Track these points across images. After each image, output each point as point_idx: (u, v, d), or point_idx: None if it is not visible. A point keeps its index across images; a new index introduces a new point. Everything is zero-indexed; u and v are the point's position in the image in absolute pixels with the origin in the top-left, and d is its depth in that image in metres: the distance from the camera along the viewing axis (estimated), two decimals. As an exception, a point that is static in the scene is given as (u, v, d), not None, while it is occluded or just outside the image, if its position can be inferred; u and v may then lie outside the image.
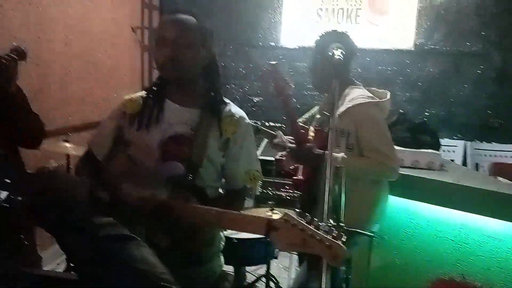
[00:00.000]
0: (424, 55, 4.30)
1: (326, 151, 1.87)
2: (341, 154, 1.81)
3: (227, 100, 1.54)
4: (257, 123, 2.39)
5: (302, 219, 1.01)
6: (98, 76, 3.80)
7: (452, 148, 4.16)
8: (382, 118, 1.93)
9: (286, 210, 2.66)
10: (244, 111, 1.55)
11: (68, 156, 2.83)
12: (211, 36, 1.47)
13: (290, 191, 4.11)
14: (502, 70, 4.17)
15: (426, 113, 4.33)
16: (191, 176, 1.38)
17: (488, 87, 4.20)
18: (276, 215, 2.61)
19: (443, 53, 4.27)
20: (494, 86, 4.20)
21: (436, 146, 2.65)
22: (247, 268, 2.82)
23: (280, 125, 4.84)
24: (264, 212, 2.68)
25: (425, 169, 2.41)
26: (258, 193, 4.07)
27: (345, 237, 0.96)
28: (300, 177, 2.07)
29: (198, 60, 1.43)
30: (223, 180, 1.56)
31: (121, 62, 4.16)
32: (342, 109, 1.85)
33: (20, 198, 1.01)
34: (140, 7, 4.43)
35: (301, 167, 2.11)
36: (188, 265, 1.39)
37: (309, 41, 4.41)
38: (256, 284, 2.77)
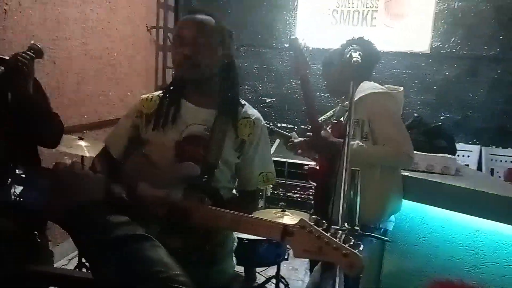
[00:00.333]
0: (440, 59, 4.26)
1: (340, 140, 1.89)
2: (356, 142, 1.82)
3: (243, 102, 1.53)
4: (269, 124, 2.39)
5: (318, 226, 1.00)
6: (114, 75, 3.84)
7: (467, 153, 4.11)
8: (394, 107, 1.94)
9: (299, 212, 2.69)
10: None
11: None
12: (229, 36, 1.47)
13: (302, 192, 4.10)
14: (519, 74, 4.11)
15: (441, 117, 4.28)
16: (206, 177, 1.38)
17: (504, 91, 4.14)
18: (288, 216, 2.64)
19: (459, 57, 4.22)
20: (511, 90, 4.13)
21: (452, 150, 2.61)
22: (257, 269, 2.82)
23: (292, 126, 4.85)
24: (275, 214, 2.68)
25: (440, 173, 2.38)
26: (269, 194, 4.07)
27: (362, 246, 0.95)
28: (316, 166, 2.07)
29: (216, 60, 1.43)
30: (237, 181, 1.56)
31: (136, 61, 4.19)
32: (355, 99, 1.86)
33: (35, 194, 1.02)
34: (156, 7, 4.45)
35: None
36: (200, 265, 1.38)
37: (324, 43, 4.40)
38: (266, 285, 2.77)
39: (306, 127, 4.28)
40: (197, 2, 4.85)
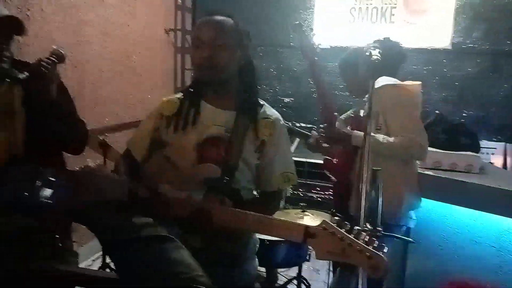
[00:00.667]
0: (462, 54, 4.16)
1: (354, 131, 1.89)
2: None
3: (262, 102, 1.53)
4: (288, 124, 2.39)
5: (341, 227, 0.99)
6: (133, 77, 3.88)
7: (491, 150, 4.00)
8: (408, 99, 1.93)
9: (319, 212, 2.67)
10: None
11: (104, 155, 2.91)
12: (247, 37, 1.47)
13: (322, 192, 4.08)
14: (544, 69, 3.99)
15: (463, 114, 4.19)
16: (226, 178, 1.38)
17: (529, 87, 4.03)
18: (308, 217, 2.63)
19: (481, 52, 4.12)
20: (536, 85, 4.02)
21: (475, 148, 2.56)
22: (279, 270, 2.81)
23: (311, 125, 4.83)
24: (295, 214, 2.67)
25: (464, 172, 2.33)
26: (289, 195, 4.05)
27: (387, 248, 0.93)
28: (334, 160, 2.06)
29: (234, 61, 1.43)
30: (258, 182, 1.55)
31: (155, 63, 4.23)
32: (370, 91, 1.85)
33: (63, 196, 1.04)
34: (173, 9, 4.49)
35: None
36: (223, 266, 1.39)
37: (342, 41, 4.36)
38: (287, 286, 2.76)
39: (323, 134, 4.26)
40: (213, 3, 4.86)
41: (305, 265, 2.74)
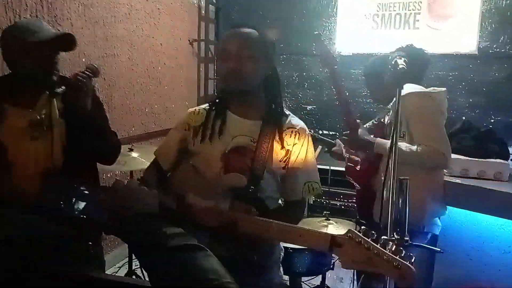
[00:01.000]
0: (489, 59, 4.08)
1: (378, 138, 1.90)
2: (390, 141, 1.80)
3: (287, 112, 1.55)
4: (311, 132, 2.39)
5: (367, 236, 0.99)
6: (158, 88, 3.97)
7: (521, 157, 3.90)
8: (433, 108, 1.92)
9: (343, 220, 2.66)
10: None
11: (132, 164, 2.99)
12: (273, 49, 1.50)
13: (345, 200, 4.04)
14: None
15: (491, 120, 4.10)
16: (252, 188, 1.40)
17: (558, 91, 3.92)
18: (332, 225, 2.62)
19: (509, 57, 4.03)
20: None
21: (504, 155, 2.51)
22: (303, 279, 2.81)
23: (334, 133, 4.81)
24: (319, 223, 2.66)
25: (493, 180, 2.29)
26: (311, 202, 4.04)
27: (414, 257, 0.93)
28: (358, 167, 2.06)
29: (260, 72, 1.46)
30: (283, 191, 1.57)
31: (179, 74, 4.32)
32: (394, 99, 1.85)
33: (96, 208, 1.08)
34: (197, 20, 4.58)
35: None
36: (248, 275, 1.40)
37: (365, 48, 4.34)
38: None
39: (346, 138, 4.23)
40: (236, 14, 4.93)
41: (328, 274, 2.73)
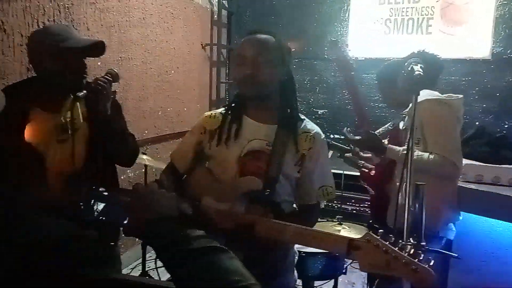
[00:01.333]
0: (502, 64, 4.05)
1: (389, 145, 1.91)
2: (402, 148, 1.80)
3: (302, 116, 1.56)
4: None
5: (385, 240, 1.00)
6: (171, 91, 4.01)
7: (536, 163, 3.86)
8: (450, 116, 1.92)
9: (356, 225, 2.65)
10: None
11: (145, 167, 3.03)
12: (289, 54, 1.51)
13: (357, 204, 4.03)
14: None
15: (505, 126, 4.06)
16: (268, 191, 1.41)
17: None
18: (345, 229, 2.61)
19: (524, 62, 4.00)
20: None
21: (519, 161, 2.49)
22: (315, 283, 2.80)
23: (344, 137, 4.77)
24: (331, 227, 2.66)
25: (507, 185, 2.27)
26: (322, 206, 4.03)
27: (433, 261, 0.93)
28: (372, 172, 2.06)
29: (276, 77, 1.47)
30: (297, 195, 1.58)
31: (191, 78, 4.35)
32: (409, 106, 1.85)
33: (117, 211, 1.10)
34: (209, 24, 4.61)
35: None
36: (264, 278, 1.41)
37: (377, 53, 4.33)
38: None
39: (359, 137, 4.22)
40: (249, 19, 4.96)
41: (340, 278, 2.72)
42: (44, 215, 0.97)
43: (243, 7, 5.00)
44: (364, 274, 2.67)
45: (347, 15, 4.53)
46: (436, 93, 1.96)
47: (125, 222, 0.97)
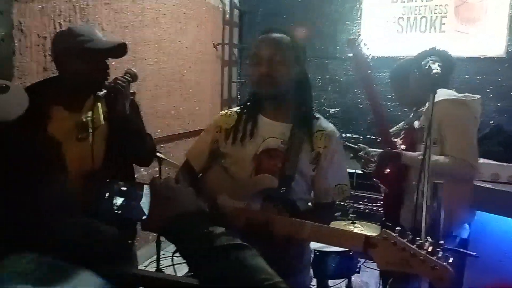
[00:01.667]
0: (517, 63, 4.00)
1: (404, 152, 1.90)
2: (417, 153, 1.79)
3: (317, 115, 1.57)
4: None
5: (403, 237, 0.99)
6: (183, 91, 4.03)
7: (552, 162, 3.80)
8: (466, 115, 1.90)
9: (369, 224, 2.64)
10: None
11: (160, 165, 3.05)
12: (304, 53, 1.52)
13: (369, 204, 4.02)
14: None
15: (520, 124, 4.01)
16: (284, 189, 1.42)
17: None
18: (358, 228, 2.61)
19: (539, 60, 3.94)
20: None
21: (536, 160, 2.46)
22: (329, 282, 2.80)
23: (357, 136, 4.78)
24: (344, 226, 2.66)
25: (524, 185, 2.25)
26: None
27: (452, 258, 0.93)
28: (386, 170, 2.06)
29: (292, 76, 1.48)
30: (313, 193, 1.58)
31: (204, 77, 4.37)
32: (427, 105, 1.83)
33: (135, 206, 1.11)
34: (221, 24, 4.63)
35: None
36: (281, 276, 1.42)
37: (390, 51, 4.30)
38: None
39: (371, 137, 4.20)
40: (260, 18, 4.96)
41: (353, 277, 2.72)
42: (63, 214, 0.98)
43: (255, 6, 5.00)
44: (377, 274, 2.66)
45: (359, 13, 4.51)
46: (453, 92, 1.93)
47: (144, 217, 0.98)
